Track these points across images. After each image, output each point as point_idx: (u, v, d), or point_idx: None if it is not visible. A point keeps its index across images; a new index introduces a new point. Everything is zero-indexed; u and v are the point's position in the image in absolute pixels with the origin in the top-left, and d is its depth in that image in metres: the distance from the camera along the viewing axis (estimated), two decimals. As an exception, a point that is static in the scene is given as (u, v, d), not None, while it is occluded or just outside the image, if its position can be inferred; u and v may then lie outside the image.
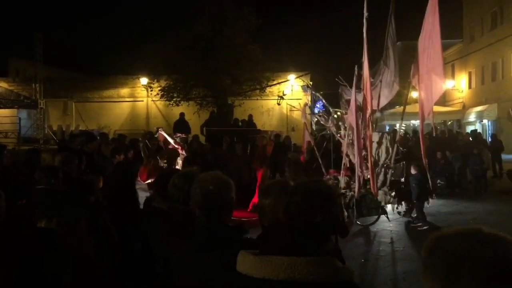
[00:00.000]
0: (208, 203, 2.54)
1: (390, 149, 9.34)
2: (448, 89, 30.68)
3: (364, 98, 6.95)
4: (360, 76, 7.77)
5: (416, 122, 24.06)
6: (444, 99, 32.25)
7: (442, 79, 4.61)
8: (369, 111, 7.18)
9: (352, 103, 7.52)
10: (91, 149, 8.62)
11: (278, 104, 19.82)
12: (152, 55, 21.29)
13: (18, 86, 26.55)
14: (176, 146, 10.77)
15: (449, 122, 26.55)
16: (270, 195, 2.55)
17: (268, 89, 22.87)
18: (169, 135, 11.53)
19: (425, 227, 9.43)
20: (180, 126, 18.38)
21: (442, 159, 13.42)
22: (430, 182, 8.94)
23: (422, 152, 7.26)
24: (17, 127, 23.54)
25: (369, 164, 8.03)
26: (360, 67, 7.74)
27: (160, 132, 10.94)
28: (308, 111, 11.82)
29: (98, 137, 9.97)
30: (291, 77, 24.78)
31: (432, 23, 4.82)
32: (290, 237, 1.89)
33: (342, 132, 10.09)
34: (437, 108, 25.28)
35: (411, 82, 5.96)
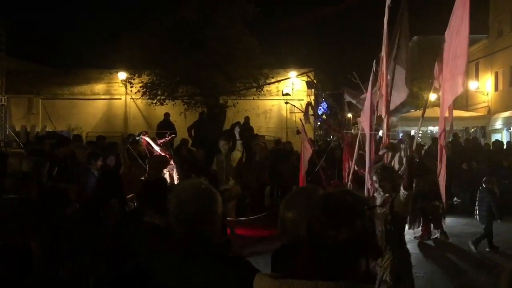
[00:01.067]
0: (183, 214, 2.56)
1: (404, 159, 9.37)
2: (471, 91, 30.86)
3: (383, 99, 6.97)
4: (377, 73, 7.79)
5: (434, 129, 24.16)
6: (466, 103, 32.44)
7: (462, 75, 4.60)
8: (384, 114, 7.14)
9: (367, 105, 7.53)
10: (64, 153, 8.59)
11: (286, 103, 19.77)
12: (132, 46, 21.16)
13: (-24, 80, 26.37)
14: (163, 154, 10.65)
15: (472, 129, 26.66)
16: (293, 207, 2.51)
17: (265, 88, 22.88)
18: (153, 139, 11.45)
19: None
20: (164, 128, 18.35)
21: (467, 171, 13.45)
22: (443, 199, 9.10)
23: (442, 164, 7.24)
24: (-27, 126, 23.31)
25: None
26: (379, 63, 7.76)
27: (142, 137, 10.81)
28: (311, 112, 11.82)
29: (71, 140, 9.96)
30: (292, 74, 24.86)
31: (461, 16, 4.83)
32: (314, 258, 1.86)
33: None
34: (458, 113, 25.39)
35: (433, 83, 5.90)
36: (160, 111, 21.28)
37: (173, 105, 22.14)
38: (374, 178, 5.15)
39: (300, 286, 1.78)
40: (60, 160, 7.80)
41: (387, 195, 4.95)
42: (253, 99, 23.39)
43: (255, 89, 22.26)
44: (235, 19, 20.65)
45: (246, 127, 18.67)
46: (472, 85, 30.37)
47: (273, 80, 23.29)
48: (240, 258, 2.59)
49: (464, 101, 32.91)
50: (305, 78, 24.63)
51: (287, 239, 2.56)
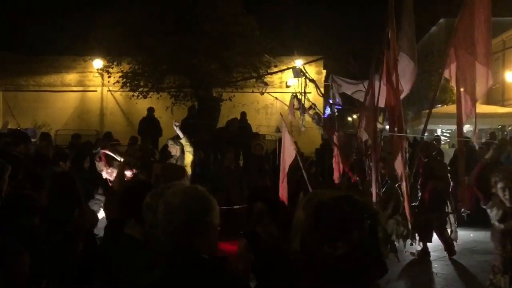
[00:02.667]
0: (172, 223, 2.57)
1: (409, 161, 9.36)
2: (508, 83, 30.78)
3: (387, 91, 6.84)
4: (379, 61, 7.70)
5: (466, 127, 24.08)
6: (502, 97, 32.40)
7: (488, 70, 4.55)
8: (396, 109, 6.97)
9: (370, 98, 7.39)
10: (24, 153, 8.55)
11: (262, 93, 18.73)
12: (110, 29, 21.07)
13: None
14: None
15: (510, 128, 26.63)
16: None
17: (267, 78, 22.79)
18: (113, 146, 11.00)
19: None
20: (147, 125, 18.36)
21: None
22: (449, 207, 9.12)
23: (461, 168, 7.19)
24: None
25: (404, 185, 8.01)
26: (382, 50, 7.67)
27: (102, 151, 10.10)
28: (296, 105, 11.33)
29: (34, 139, 9.91)
30: (298, 62, 24.81)
31: None
32: (310, 277, 1.87)
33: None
34: (493, 109, 25.36)
35: (443, 73, 5.84)
36: (142, 105, 21.22)
37: (158, 98, 22.09)
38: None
39: None
40: (20, 161, 7.76)
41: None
42: (252, 91, 23.18)
43: (255, 79, 22.15)
44: (230, -3, 20.59)
45: (243, 124, 18.63)
46: (510, 76, 30.23)
47: (275, 70, 23.17)
48: (237, 278, 2.66)
49: (499, 95, 32.87)
50: (313, 68, 24.59)
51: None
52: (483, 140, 20.51)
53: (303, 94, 7.76)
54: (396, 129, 7.46)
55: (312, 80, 8.34)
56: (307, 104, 9.89)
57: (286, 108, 25.19)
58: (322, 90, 21.61)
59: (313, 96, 14.22)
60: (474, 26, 4.51)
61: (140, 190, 3.81)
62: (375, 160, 7.89)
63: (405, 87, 7.44)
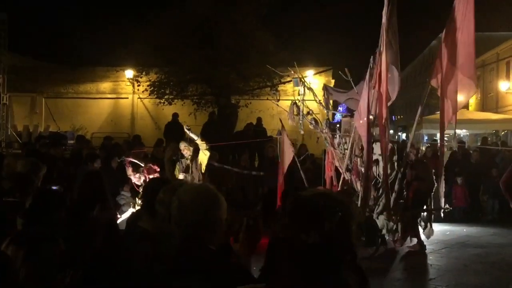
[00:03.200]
0: (183, 219, 2.59)
1: (396, 164, 9.32)
2: (501, 92, 30.53)
3: (379, 98, 6.77)
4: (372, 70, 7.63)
5: (461, 132, 23.89)
6: (496, 105, 32.09)
7: (473, 80, 4.50)
8: (384, 115, 6.94)
9: (363, 105, 7.28)
10: (59, 153, 8.70)
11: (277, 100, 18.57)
12: (140, 42, 21.29)
13: (-25, 78, 26.71)
14: (153, 167, 10.07)
15: (503, 133, 26.34)
16: None
17: (281, 87, 22.79)
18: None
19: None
20: (172, 129, 18.41)
21: (497, 177, 13.30)
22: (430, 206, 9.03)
23: (438, 169, 7.07)
24: (-27, 127, 23.62)
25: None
26: (375, 59, 7.59)
27: (126, 159, 9.94)
28: (295, 111, 11.09)
29: (73, 141, 10.04)
30: (309, 73, 24.76)
31: (463, 12, 4.71)
32: (292, 266, 1.91)
33: (337, 140, 9.77)
34: (487, 115, 25.15)
35: (430, 83, 5.77)
36: (168, 111, 21.35)
37: (182, 104, 22.22)
38: None
39: None
40: (54, 161, 7.93)
41: None
42: (267, 99, 23.24)
43: (269, 88, 22.18)
44: (248, 13, 20.64)
45: (259, 128, 18.67)
46: (503, 85, 30.03)
47: (288, 79, 23.14)
48: (239, 268, 2.61)
49: (493, 102, 32.58)
50: (323, 77, 24.52)
51: None
52: (478, 144, 20.36)
53: (302, 102, 7.73)
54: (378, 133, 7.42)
55: (309, 89, 8.30)
56: (305, 111, 9.80)
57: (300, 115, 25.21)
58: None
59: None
60: (459, 40, 4.47)
61: (154, 187, 3.83)
62: (368, 161, 7.82)
63: (393, 95, 7.40)
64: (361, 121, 6.73)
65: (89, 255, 3.82)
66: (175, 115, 19.36)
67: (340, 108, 38.18)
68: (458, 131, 24.63)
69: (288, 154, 9.74)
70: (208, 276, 2.38)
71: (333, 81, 25.47)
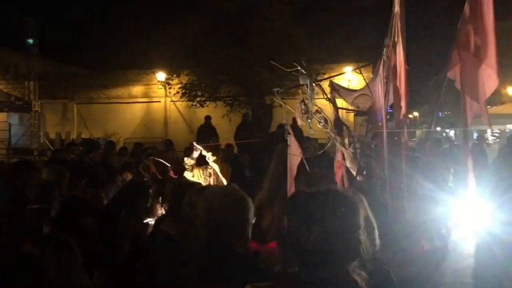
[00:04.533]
0: (211, 221, 2.65)
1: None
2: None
3: (395, 92, 6.42)
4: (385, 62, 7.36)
5: (512, 126, 23.39)
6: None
7: (493, 70, 4.39)
8: (403, 110, 6.50)
9: (378, 100, 6.88)
10: (93, 159, 9.06)
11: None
12: (170, 45, 21.63)
13: (8, 85, 27.60)
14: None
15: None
16: None
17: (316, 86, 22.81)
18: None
19: None
20: (205, 132, 18.68)
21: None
22: None
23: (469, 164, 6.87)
24: (7, 135, 24.40)
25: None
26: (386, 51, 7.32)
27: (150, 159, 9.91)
28: (303, 109, 10.54)
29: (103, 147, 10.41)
30: (348, 69, 24.68)
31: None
32: (296, 262, 1.95)
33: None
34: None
35: (447, 74, 5.53)
36: (201, 113, 21.61)
37: (215, 106, 22.44)
38: None
39: None
40: (89, 167, 8.25)
41: None
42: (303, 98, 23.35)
43: (305, 86, 22.22)
44: (281, 10, 20.76)
45: (295, 129, 18.77)
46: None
47: (325, 76, 23.14)
48: (268, 273, 2.61)
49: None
50: (363, 73, 24.41)
51: None
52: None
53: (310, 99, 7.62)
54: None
55: (318, 85, 8.12)
56: (314, 109, 9.55)
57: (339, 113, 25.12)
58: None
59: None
60: (480, 28, 4.42)
61: (179, 191, 4.01)
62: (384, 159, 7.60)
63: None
64: (378, 118, 6.53)
65: (116, 258, 4.04)
66: (208, 118, 19.61)
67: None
68: (510, 126, 24.21)
69: (296, 156, 9.61)
70: (235, 280, 2.36)
71: (371, 76, 25.29)
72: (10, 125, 25.06)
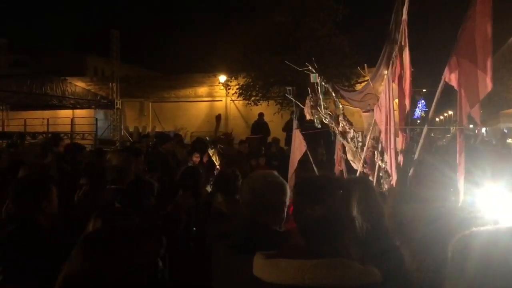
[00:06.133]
0: (252, 201, 2.71)
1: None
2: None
3: (400, 94, 6.01)
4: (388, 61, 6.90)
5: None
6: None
7: (487, 74, 4.29)
8: (407, 106, 6.04)
9: (387, 97, 6.37)
10: (166, 150, 9.55)
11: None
12: (230, 50, 22.11)
13: (95, 86, 28.82)
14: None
15: None
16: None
17: (358, 87, 22.81)
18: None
19: None
20: (258, 127, 19.05)
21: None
22: None
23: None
24: (94, 128, 25.47)
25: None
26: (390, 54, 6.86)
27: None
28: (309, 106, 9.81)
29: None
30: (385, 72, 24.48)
31: (480, 7, 4.47)
32: (301, 239, 2.01)
33: (351, 134, 8.60)
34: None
35: (445, 77, 5.18)
36: (256, 111, 22.00)
37: (268, 105, 22.78)
38: None
39: (285, 264, 1.88)
40: (162, 156, 8.76)
41: None
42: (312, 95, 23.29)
43: (347, 87, 22.30)
44: (325, 20, 20.90)
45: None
46: None
47: (366, 78, 23.03)
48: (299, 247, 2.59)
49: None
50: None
51: None
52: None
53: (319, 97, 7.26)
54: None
55: (327, 84, 7.65)
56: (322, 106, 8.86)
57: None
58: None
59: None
60: (476, 34, 4.34)
61: (231, 177, 4.34)
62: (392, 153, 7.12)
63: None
64: (381, 115, 5.99)
65: (177, 227, 4.34)
66: (261, 115, 19.95)
67: (419, 105, 37.06)
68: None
69: (299, 149, 9.22)
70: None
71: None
72: (96, 120, 26.09)
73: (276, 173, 2.91)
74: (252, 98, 22.74)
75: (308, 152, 8.37)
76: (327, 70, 20.85)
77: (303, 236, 1.99)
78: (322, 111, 7.28)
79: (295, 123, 10.00)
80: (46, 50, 36.19)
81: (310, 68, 7.24)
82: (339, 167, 7.63)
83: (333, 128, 7.60)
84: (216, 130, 12.51)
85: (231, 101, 27.12)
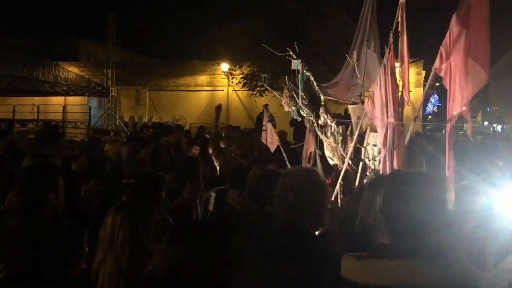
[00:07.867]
0: (286, 200, 2.55)
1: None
2: None
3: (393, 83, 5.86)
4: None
5: None
6: None
7: (484, 69, 4.15)
8: (406, 98, 5.85)
9: (382, 90, 6.14)
10: (168, 141, 9.43)
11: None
12: (234, 38, 21.93)
13: (89, 72, 28.54)
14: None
15: None
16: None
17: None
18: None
19: None
20: (262, 119, 18.89)
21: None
22: None
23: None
24: (87, 116, 25.29)
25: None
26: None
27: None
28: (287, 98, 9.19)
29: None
30: (398, 64, 24.29)
31: None
32: (391, 238, 1.99)
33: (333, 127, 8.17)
34: None
35: (435, 69, 5.01)
36: (260, 102, 21.81)
37: (273, 96, 22.57)
38: None
39: (382, 265, 1.88)
40: (164, 148, 8.64)
41: None
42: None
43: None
44: (337, 7, 20.71)
45: (345, 118, 18.78)
46: None
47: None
48: (336, 254, 2.47)
49: None
50: (413, 69, 24.00)
51: (372, 220, 2.65)
52: None
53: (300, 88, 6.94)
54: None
55: (308, 74, 7.23)
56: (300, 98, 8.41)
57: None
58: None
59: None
60: (473, 23, 4.17)
61: (241, 169, 4.25)
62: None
63: (370, 84, 6.80)
64: (375, 109, 5.69)
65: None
66: (265, 106, 19.86)
67: (431, 100, 36.92)
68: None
69: (272, 142, 9.19)
70: (305, 263, 2.35)
71: (423, 72, 24.82)
72: (90, 108, 25.94)
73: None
74: (257, 89, 22.55)
75: (281, 146, 8.32)
76: (339, 60, 20.65)
77: (393, 233, 1.98)
78: (300, 102, 7.01)
79: (265, 116, 9.77)
80: (37, 32, 35.94)
81: (291, 53, 6.94)
82: (307, 164, 7.39)
83: (311, 121, 7.29)
84: (217, 122, 12.39)
85: (234, 91, 26.97)
